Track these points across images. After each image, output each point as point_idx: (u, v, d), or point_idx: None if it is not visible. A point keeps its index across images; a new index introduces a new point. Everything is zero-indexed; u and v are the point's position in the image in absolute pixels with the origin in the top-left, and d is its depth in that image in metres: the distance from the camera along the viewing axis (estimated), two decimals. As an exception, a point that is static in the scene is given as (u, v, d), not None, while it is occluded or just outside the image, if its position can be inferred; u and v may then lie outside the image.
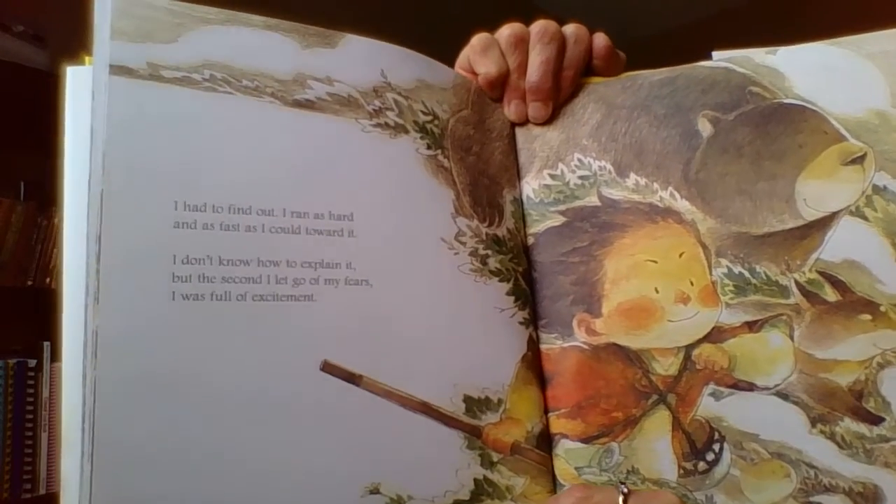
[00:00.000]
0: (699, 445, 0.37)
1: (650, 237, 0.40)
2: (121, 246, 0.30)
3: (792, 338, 0.37)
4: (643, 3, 2.58)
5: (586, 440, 0.38)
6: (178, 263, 0.31)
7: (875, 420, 0.36)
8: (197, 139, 0.33)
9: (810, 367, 0.37)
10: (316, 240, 0.34)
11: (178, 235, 0.31)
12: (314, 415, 0.32)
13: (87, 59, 0.34)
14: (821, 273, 0.37)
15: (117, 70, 0.32)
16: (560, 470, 0.39)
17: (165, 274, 0.31)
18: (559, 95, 0.43)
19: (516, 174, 0.43)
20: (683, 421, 0.38)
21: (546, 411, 0.39)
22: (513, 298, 0.40)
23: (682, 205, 0.40)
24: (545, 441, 0.39)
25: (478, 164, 0.41)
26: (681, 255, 0.39)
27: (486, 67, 0.42)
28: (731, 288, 0.38)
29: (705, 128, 0.40)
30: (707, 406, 0.38)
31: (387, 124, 0.38)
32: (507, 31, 0.43)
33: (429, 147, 0.39)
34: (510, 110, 0.43)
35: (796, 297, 0.37)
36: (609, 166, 0.41)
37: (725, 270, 0.39)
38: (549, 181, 0.42)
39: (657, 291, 0.39)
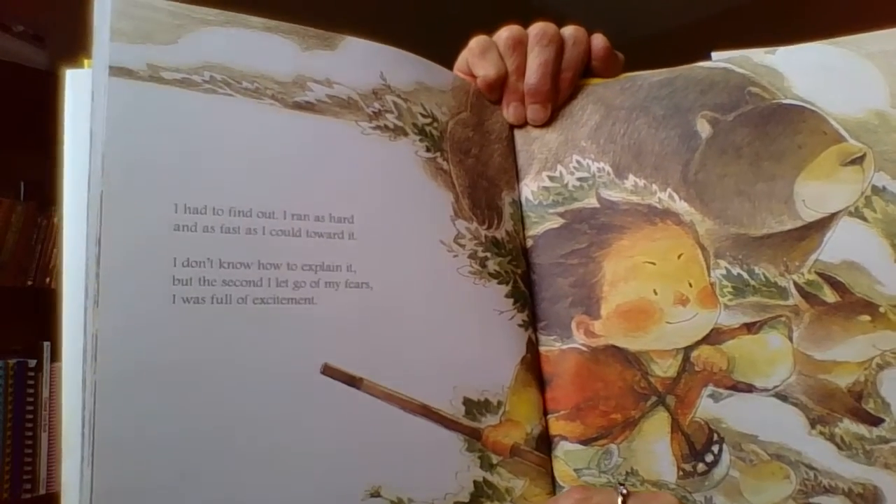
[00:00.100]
0: (698, 447, 0.37)
1: (649, 239, 0.40)
2: (121, 248, 0.30)
3: (791, 339, 0.37)
4: (643, 2, 2.58)
5: (585, 442, 0.38)
6: (179, 266, 0.31)
7: (874, 421, 0.36)
8: (197, 141, 0.33)
9: (809, 369, 0.37)
10: (316, 242, 0.34)
11: (178, 238, 0.31)
12: (315, 418, 0.32)
13: (86, 61, 0.34)
14: (820, 274, 0.37)
15: (117, 71, 0.32)
16: (559, 472, 0.39)
17: (165, 277, 0.31)
18: (558, 97, 0.43)
19: (515, 176, 0.43)
20: (682, 422, 0.38)
21: (545, 413, 0.39)
22: (512, 301, 0.40)
23: (681, 206, 0.40)
24: (544, 443, 0.39)
25: (477, 167, 0.41)
26: (679, 257, 0.39)
27: (485, 70, 0.42)
28: (730, 289, 0.38)
29: (704, 129, 0.40)
30: (706, 407, 0.38)
31: (386, 126, 0.38)
32: (505, 34, 0.43)
33: (428, 149, 0.39)
34: (509, 112, 0.43)
35: (795, 299, 0.38)
36: (608, 168, 0.41)
37: (724, 272, 0.39)
38: (547, 183, 0.42)
39: (656, 293, 0.39)
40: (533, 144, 0.43)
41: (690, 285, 0.39)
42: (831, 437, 0.36)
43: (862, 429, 0.36)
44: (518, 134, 0.44)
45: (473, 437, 0.36)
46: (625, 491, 0.36)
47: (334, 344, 0.33)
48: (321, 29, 0.37)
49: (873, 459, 0.35)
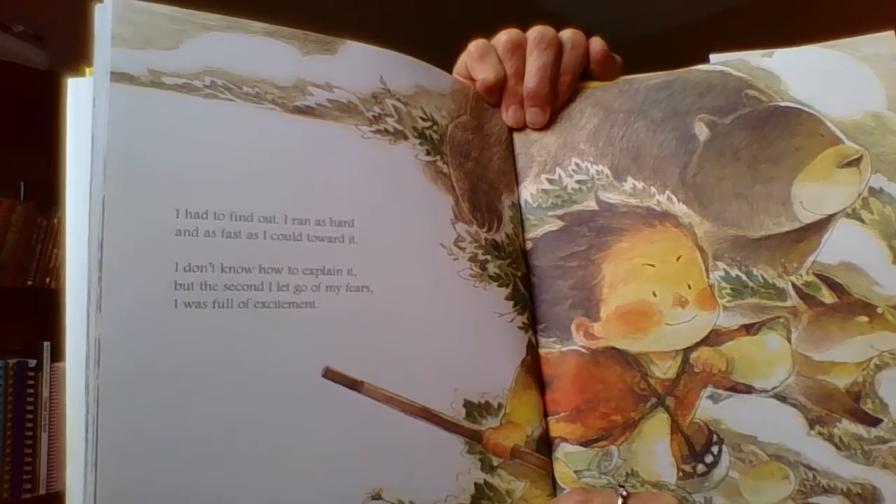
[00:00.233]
0: (698, 448, 0.38)
1: (648, 241, 0.40)
2: (123, 253, 0.30)
3: (789, 340, 0.38)
4: (643, 2, 2.59)
5: (586, 444, 0.39)
6: (180, 271, 0.31)
7: (873, 421, 0.36)
8: (198, 146, 0.33)
9: (808, 370, 0.37)
10: (317, 246, 0.34)
11: (180, 243, 0.31)
12: (316, 421, 0.33)
13: (87, 70, 0.34)
14: (818, 275, 0.38)
15: (118, 77, 0.32)
16: (560, 473, 0.39)
17: (167, 281, 0.31)
18: (557, 101, 0.43)
19: (514, 179, 0.43)
20: (682, 424, 0.38)
21: (546, 415, 0.39)
22: (512, 303, 0.40)
23: (680, 208, 0.40)
24: (545, 445, 0.39)
25: (476, 170, 0.41)
26: (678, 259, 0.39)
27: (484, 73, 0.43)
28: (729, 291, 0.39)
29: (702, 131, 0.41)
30: (705, 409, 0.38)
31: (386, 130, 0.38)
32: (504, 38, 0.43)
33: (428, 153, 0.39)
34: (508, 116, 0.43)
35: (793, 300, 0.38)
36: (606, 170, 0.42)
37: (723, 273, 0.39)
38: (546, 186, 0.42)
39: (655, 295, 0.39)
40: (532, 147, 0.43)
41: (689, 287, 0.39)
42: (830, 438, 0.36)
43: (860, 429, 0.36)
44: (517, 137, 0.44)
45: (474, 439, 0.36)
46: (625, 492, 0.36)
47: (335, 347, 0.34)
48: (322, 33, 0.38)
49: (872, 459, 0.36)
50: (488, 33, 0.45)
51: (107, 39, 0.32)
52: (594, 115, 0.43)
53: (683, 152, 0.41)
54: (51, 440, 1.51)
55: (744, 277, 0.39)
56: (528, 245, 0.42)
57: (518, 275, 0.41)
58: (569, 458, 0.39)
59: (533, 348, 0.40)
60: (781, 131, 0.39)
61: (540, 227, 0.42)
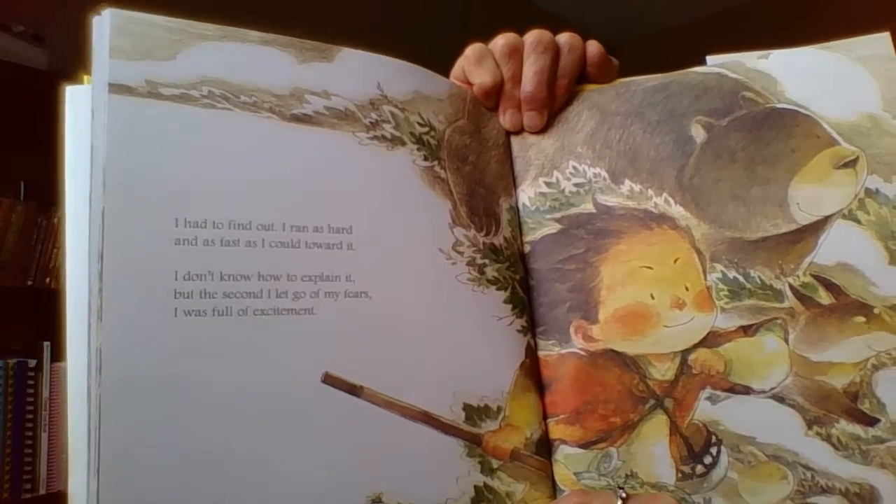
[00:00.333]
0: (696, 449, 0.38)
1: (645, 243, 0.40)
2: (123, 263, 0.30)
3: (787, 341, 0.38)
4: (643, 2, 2.59)
5: (585, 445, 0.39)
6: (180, 279, 0.31)
7: (870, 421, 0.36)
8: (196, 155, 0.33)
9: (805, 370, 0.37)
10: (315, 253, 0.34)
11: (179, 252, 0.32)
12: (316, 426, 0.33)
13: (85, 77, 0.34)
14: (815, 276, 0.38)
15: (116, 88, 0.32)
16: (559, 475, 0.39)
17: (167, 290, 0.31)
18: (554, 104, 0.43)
19: (512, 183, 0.43)
20: (681, 425, 0.38)
21: (545, 417, 0.40)
22: (510, 306, 0.40)
23: (677, 210, 0.40)
24: (544, 447, 0.39)
25: (474, 174, 0.41)
26: (676, 261, 0.40)
27: (481, 77, 0.43)
28: (726, 293, 0.39)
29: (699, 133, 0.41)
30: (704, 410, 0.38)
31: (384, 137, 0.38)
32: (501, 41, 0.43)
33: (425, 158, 0.39)
34: (505, 119, 0.44)
35: (791, 301, 0.38)
36: (604, 173, 0.42)
37: (720, 275, 0.39)
38: (544, 189, 0.43)
39: (653, 297, 0.40)
40: (529, 151, 0.44)
41: (687, 289, 0.39)
42: (828, 438, 0.36)
43: (858, 429, 0.36)
44: (515, 140, 0.44)
45: (473, 442, 0.37)
46: (624, 494, 0.36)
47: (334, 353, 0.34)
48: (319, 39, 0.38)
49: (869, 459, 0.36)
50: (486, 35, 0.45)
51: (105, 51, 0.32)
52: (591, 118, 0.43)
53: (680, 154, 0.41)
54: (51, 440, 1.51)
55: (741, 279, 0.39)
56: (527, 248, 0.42)
57: (516, 278, 0.41)
58: (568, 460, 0.39)
59: (532, 351, 0.40)
60: (778, 133, 0.39)
61: (538, 231, 0.42)
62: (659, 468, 0.38)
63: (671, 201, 0.40)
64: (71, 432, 0.31)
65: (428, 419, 0.36)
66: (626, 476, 0.38)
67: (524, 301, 0.41)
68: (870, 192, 0.38)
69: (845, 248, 0.38)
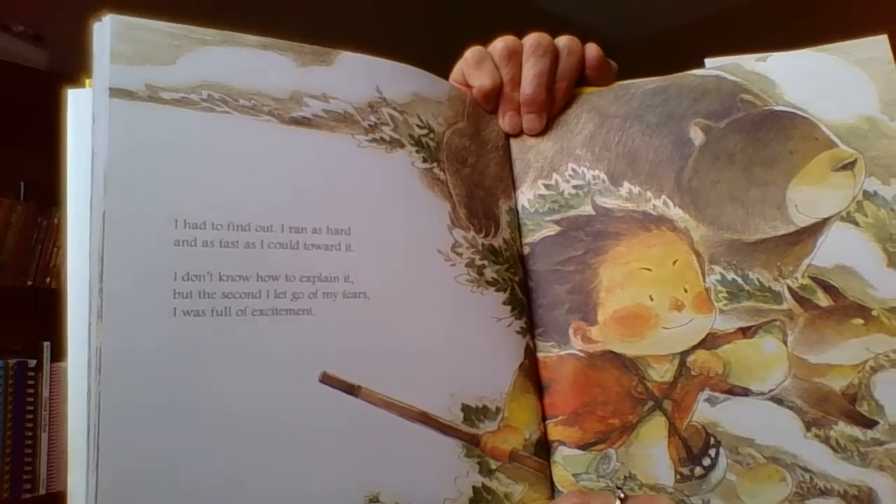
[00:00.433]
0: (695, 451, 0.38)
1: (644, 245, 0.40)
2: (123, 265, 0.31)
3: (785, 343, 0.38)
4: (643, 2, 2.59)
5: (584, 447, 0.39)
6: (179, 280, 0.32)
7: (869, 423, 0.36)
8: (196, 158, 0.33)
9: (804, 372, 0.37)
10: (314, 254, 0.35)
11: (179, 253, 0.32)
12: (314, 426, 0.33)
13: (87, 81, 0.34)
14: (813, 278, 0.38)
15: (117, 93, 0.32)
16: (558, 476, 0.39)
17: (167, 291, 0.31)
18: (553, 107, 0.43)
19: (511, 185, 0.43)
20: (679, 427, 0.38)
21: (544, 419, 0.40)
22: (509, 308, 0.40)
23: (676, 212, 0.40)
24: (543, 448, 0.39)
25: (473, 176, 0.42)
26: (674, 263, 0.40)
27: (481, 80, 0.43)
28: (725, 294, 0.39)
29: (697, 136, 0.41)
30: (702, 412, 0.38)
31: (382, 139, 0.38)
32: (500, 44, 0.44)
33: (424, 160, 0.39)
34: (505, 122, 0.44)
35: (789, 303, 0.38)
36: (602, 175, 0.42)
37: (719, 277, 0.39)
38: (543, 191, 0.43)
39: (652, 299, 0.40)
40: (529, 153, 0.44)
41: (686, 291, 0.39)
42: (826, 440, 0.36)
43: (856, 431, 0.36)
44: (514, 143, 0.44)
45: (472, 442, 0.37)
46: (622, 495, 0.36)
47: (333, 353, 0.34)
48: (318, 43, 0.38)
49: (868, 461, 0.36)
50: (486, 35, 0.45)
51: (105, 56, 0.32)
52: (590, 120, 0.43)
53: (679, 157, 0.41)
54: (51, 440, 1.51)
55: (740, 281, 0.39)
56: (526, 250, 0.42)
57: (515, 279, 0.41)
58: (567, 462, 0.39)
59: (531, 352, 0.40)
60: (776, 135, 0.40)
61: (537, 232, 0.42)
62: (657, 470, 0.38)
63: (670, 203, 0.40)
64: (71, 432, 0.32)
65: (426, 419, 0.36)
66: (625, 477, 0.38)
67: (523, 302, 0.41)
68: (868, 195, 0.38)
69: (843, 250, 0.38)
